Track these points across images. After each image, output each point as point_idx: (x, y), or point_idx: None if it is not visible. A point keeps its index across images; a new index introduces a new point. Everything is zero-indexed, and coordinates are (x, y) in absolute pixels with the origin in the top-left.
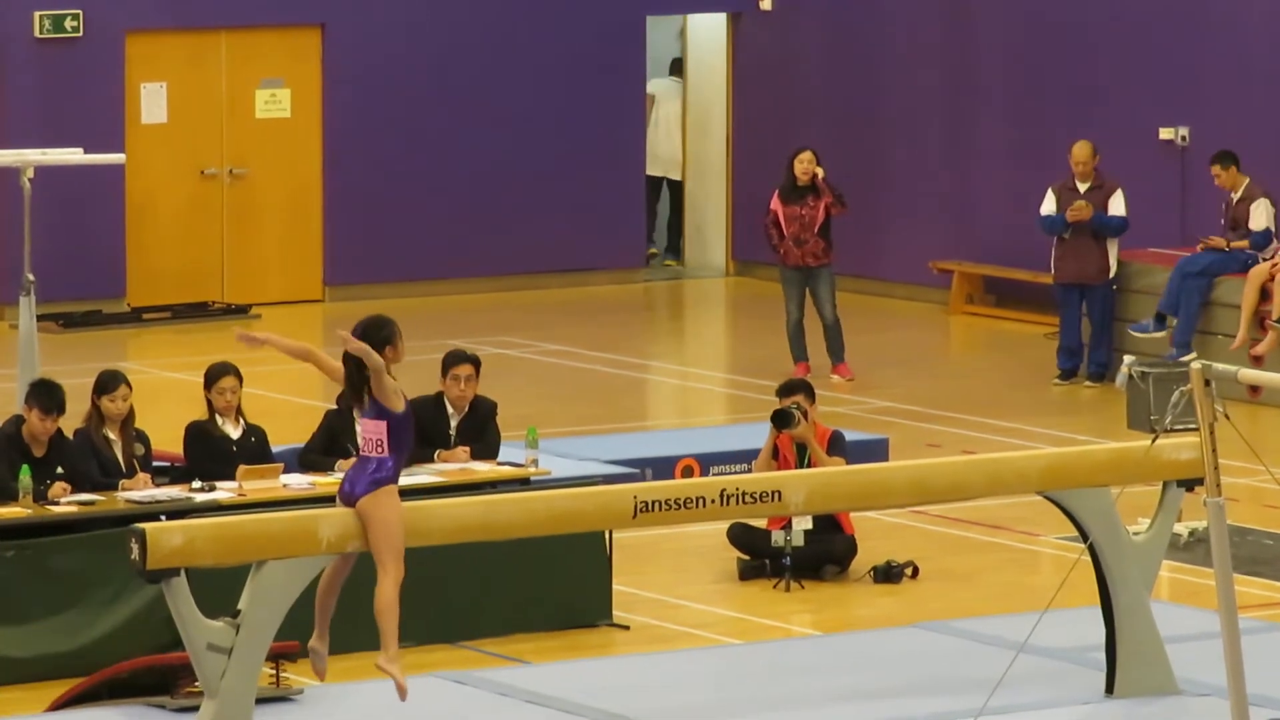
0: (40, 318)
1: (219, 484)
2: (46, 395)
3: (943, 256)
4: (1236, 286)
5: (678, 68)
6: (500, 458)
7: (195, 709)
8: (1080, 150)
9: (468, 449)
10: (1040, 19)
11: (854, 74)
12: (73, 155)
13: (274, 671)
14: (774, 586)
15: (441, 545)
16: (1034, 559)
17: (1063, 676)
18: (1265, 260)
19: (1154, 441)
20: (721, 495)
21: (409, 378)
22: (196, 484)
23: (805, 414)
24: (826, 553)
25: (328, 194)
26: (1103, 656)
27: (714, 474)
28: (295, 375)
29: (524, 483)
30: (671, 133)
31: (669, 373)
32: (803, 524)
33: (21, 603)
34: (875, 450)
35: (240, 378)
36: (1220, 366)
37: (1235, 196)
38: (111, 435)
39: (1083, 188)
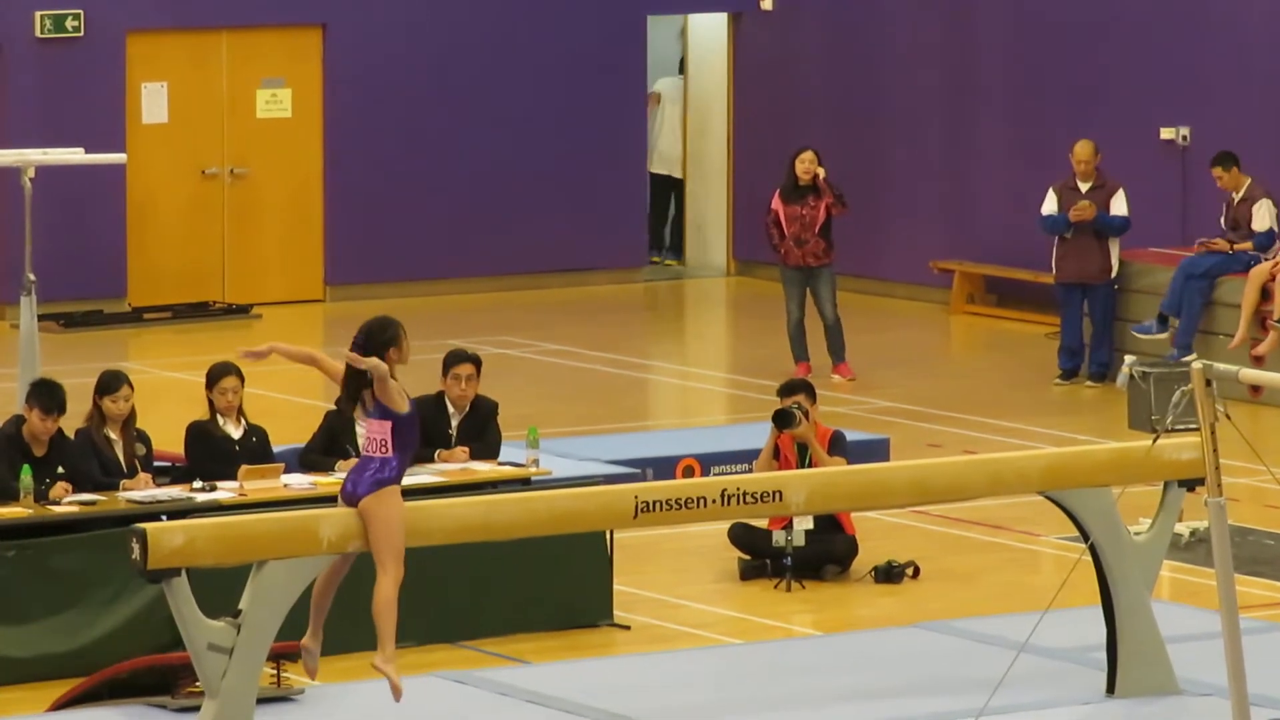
0: (41, 317)
1: (220, 484)
2: (47, 395)
3: (943, 256)
4: (1238, 287)
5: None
6: (501, 458)
7: (196, 709)
8: (1082, 149)
9: (467, 449)
10: (1040, 19)
11: (854, 74)
12: (74, 155)
13: (275, 671)
14: (775, 586)
15: (442, 545)
16: (1035, 559)
17: (1063, 676)
18: (1266, 260)
19: (1155, 441)
20: (722, 495)
21: (410, 377)
22: (197, 484)
23: (806, 414)
24: (827, 553)
25: (328, 194)
26: (1103, 656)
27: (715, 474)
28: (296, 376)
29: (525, 483)
30: (679, 131)
31: (670, 372)
32: (803, 524)
33: (22, 603)
34: (876, 450)
35: (242, 378)
36: (1221, 366)
37: (1237, 197)
38: (113, 435)
39: (1084, 187)
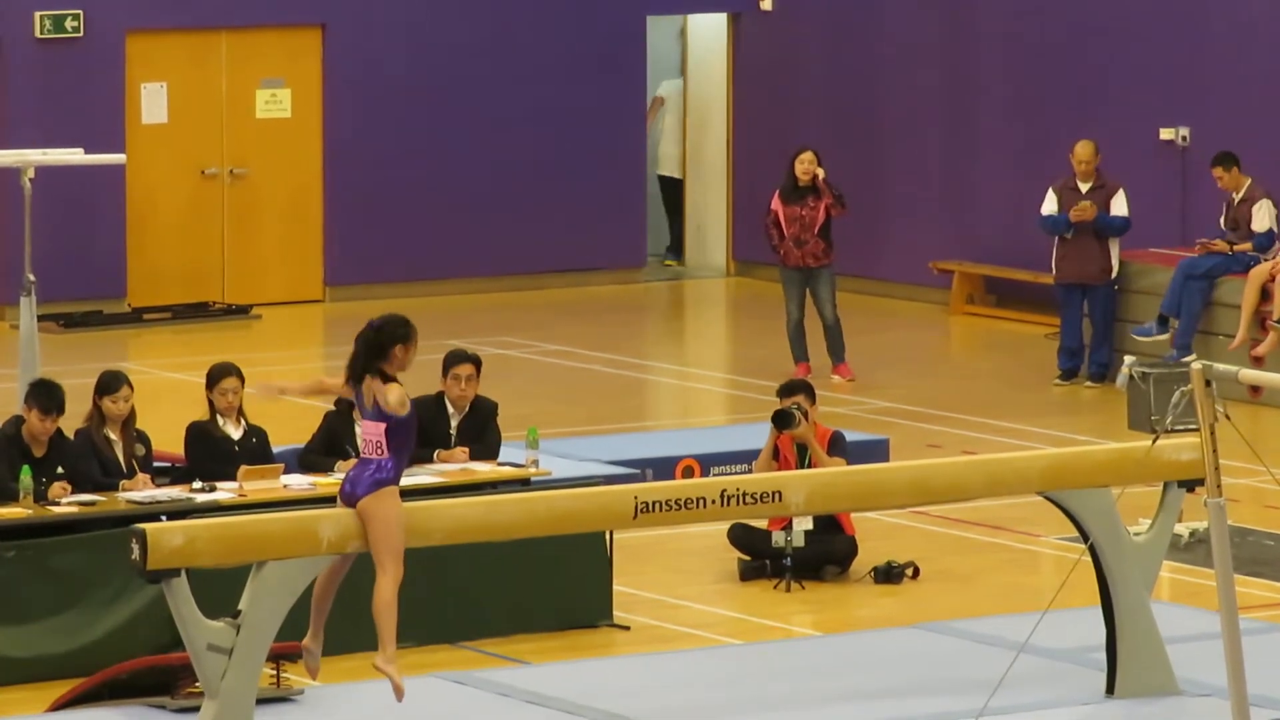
0: (41, 318)
1: (220, 484)
2: (46, 395)
3: (943, 257)
4: (1238, 287)
5: None
6: (501, 458)
7: (196, 709)
8: (1083, 150)
9: (466, 449)
10: (1040, 19)
11: (854, 74)
12: (73, 155)
13: (274, 672)
14: (774, 587)
15: (442, 546)
16: (1034, 559)
17: (1063, 677)
18: (1266, 260)
19: (1155, 442)
20: (722, 496)
21: (410, 378)
22: (197, 484)
23: (806, 414)
24: (827, 553)
25: (328, 194)
26: (1103, 657)
27: (714, 474)
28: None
29: (524, 483)
30: (681, 133)
31: (669, 373)
32: (803, 524)
33: (22, 603)
34: (876, 451)
35: (242, 378)
36: (1221, 367)
37: (1237, 197)
38: (112, 435)
39: (1084, 187)
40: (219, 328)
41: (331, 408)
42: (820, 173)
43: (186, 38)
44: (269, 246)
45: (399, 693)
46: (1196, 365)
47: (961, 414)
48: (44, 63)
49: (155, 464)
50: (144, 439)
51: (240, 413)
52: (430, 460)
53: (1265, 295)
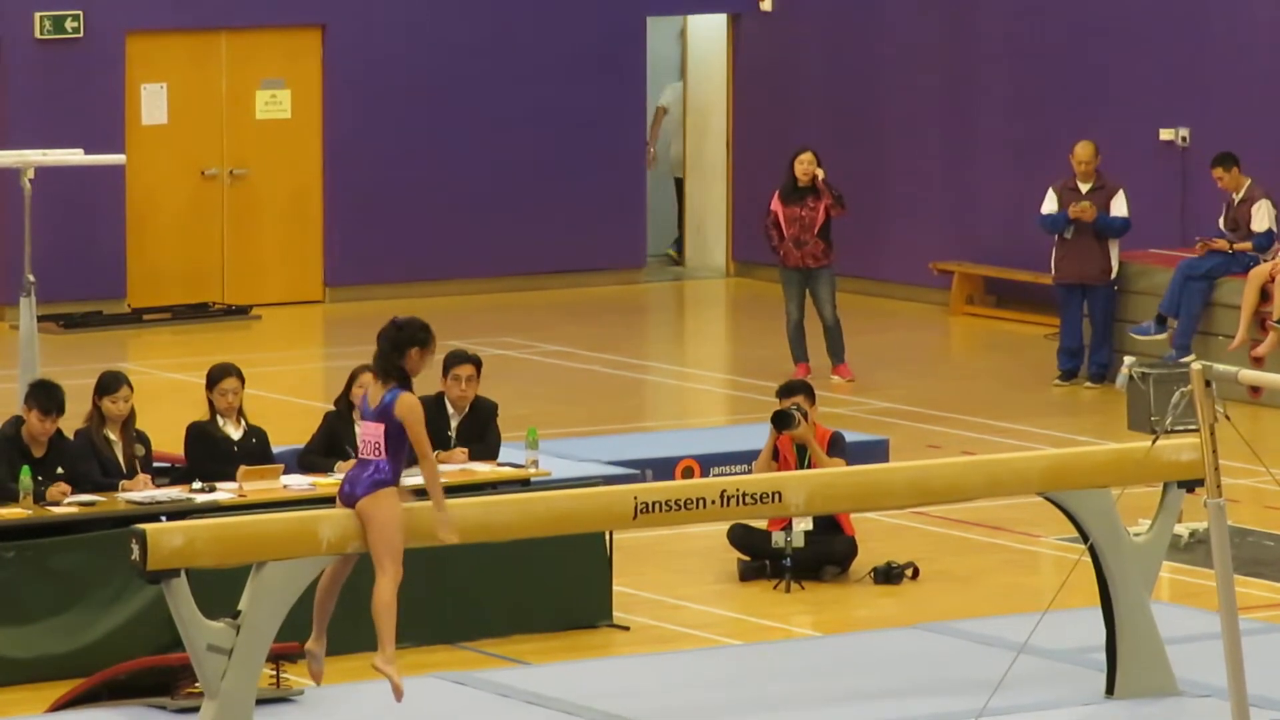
0: (41, 318)
1: (219, 485)
2: (45, 396)
3: (943, 257)
4: (1237, 288)
5: None
6: (500, 459)
7: (195, 710)
8: (1083, 150)
9: (466, 450)
10: (1040, 19)
11: (854, 74)
12: (73, 156)
13: (274, 672)
14: (774, 587)
15: (442, 546)
16: (1034, 560)
17: (1063, 677)
18: (1266, 261)
19: (1154, 442)
20: (722, 496)
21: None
22: (197, 485)
23: (805, 415)
24: (827, 554)
25: (328, 194)
26: (1103, 657)
27: (714, 475)
28: (296, 377)
29: (524, 484)
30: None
31: (669, 373)
32: (803, 525)
33: (22, 603)
34: (875, 451)
35: (242, 379)
36: (1221, 367)
37: (1237, 198)
38: (112, 436)
39: (1084, 188)
40: (219, 328)
41: (331, 408)
42: (820, 173)
43: (186, 38)
44: (269, 247)
45: (398, 693)
46: (1196, 366)
47: (961, 414)
48: (44, 63)
49: (155, 464)
50: (144, 439)
51: (240, 413)
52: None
53: (1265, 296)
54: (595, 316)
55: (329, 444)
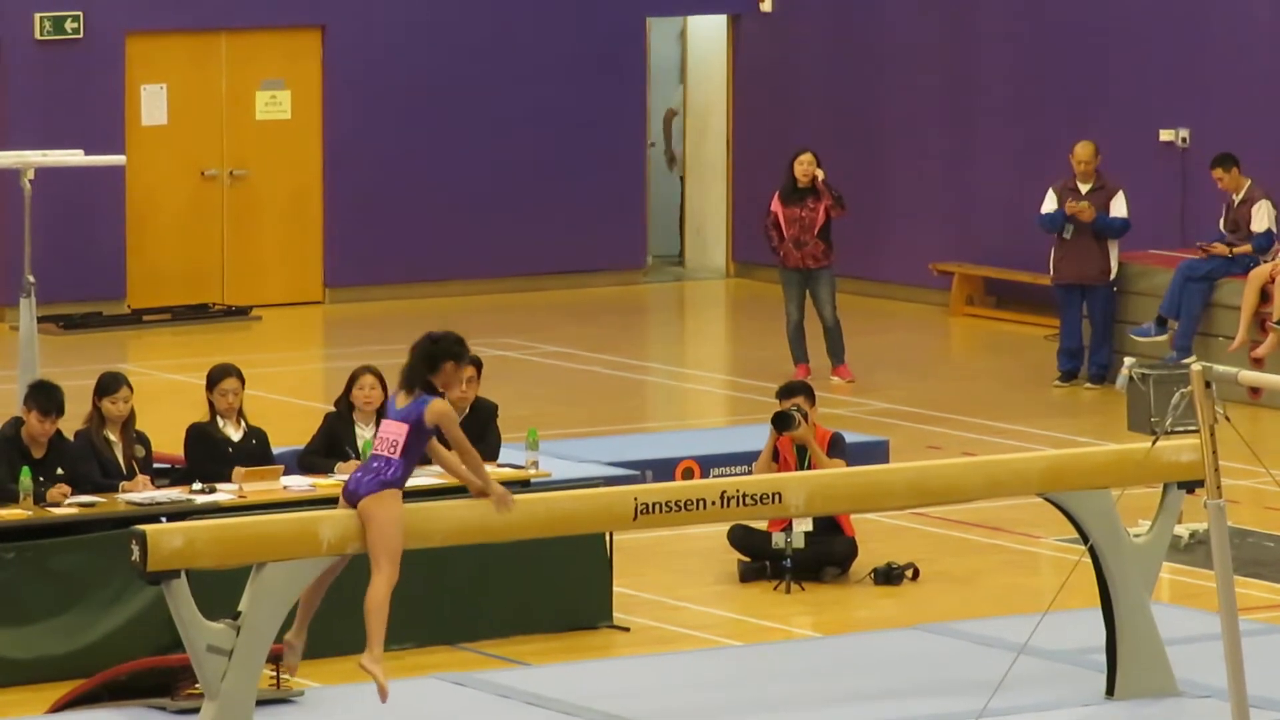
0: (40, 319)
1: (219, 486)
2: (45, 397)
3: (943, 258)
4: (1237, 289)
5: None
6: (501, 460)
7: (195, 711)
8: (1083, 150)
9: None
10: (1040, 20)
11: (854, 74)
12: (73, 157)
13: (274, 673)
14: (774, 588)
15: (442, 547)
16: (1034, 561)
17: (1063, 678)
18: (1266, 262)
19: (1154, 443)
20: (722, 497)
21: None
22: (197, 486)
23: (805, 416)
24: (827, 555)
25: (328, 195)
26: (1103, 658)
27: (714, 476)
28: (296, 378)
29: (524, 485)
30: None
31: (669, 374)
32: (803, 526)
33: (22, 604)
34: (875, 452)
35: (242, 379)
36: (1221, 368)
37: (1237, 198)
38: (112, 437)
39: (1084, 188)
40: (219, 329)
41: (332, 409)
42: (819, 174)
43: (186, 39)
44: (269, 248)
45: (383, 694)
46: (1196, 367)
47: (961, 415)
48: (44, 64)
49: (155, 465)
50: (144, 440)
51: (240, 414)
52: (430, 462)
53: (1265, 297)
54: (595, 317)
55: (329, 445)
